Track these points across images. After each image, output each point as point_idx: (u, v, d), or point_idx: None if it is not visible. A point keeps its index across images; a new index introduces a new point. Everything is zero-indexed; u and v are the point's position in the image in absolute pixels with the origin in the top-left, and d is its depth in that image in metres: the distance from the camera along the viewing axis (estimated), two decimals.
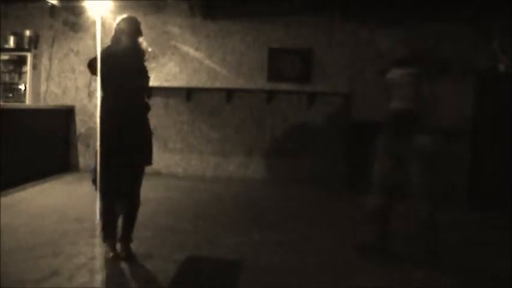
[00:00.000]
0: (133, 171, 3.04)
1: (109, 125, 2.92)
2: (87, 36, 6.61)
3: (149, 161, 3.10)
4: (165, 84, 6.45)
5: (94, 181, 2.96)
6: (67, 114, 6.61)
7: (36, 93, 6.66)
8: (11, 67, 6.66)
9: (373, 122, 3.57)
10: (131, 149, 2.94)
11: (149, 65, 3.26)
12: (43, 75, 6.74)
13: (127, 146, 2.92)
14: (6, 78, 6.65)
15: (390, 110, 3.36)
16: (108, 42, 3.07)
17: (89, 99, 6.58)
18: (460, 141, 5.32)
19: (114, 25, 3.05)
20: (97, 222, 3.16)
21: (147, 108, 3.11)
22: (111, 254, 3.00)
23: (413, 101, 3.27)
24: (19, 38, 6.55)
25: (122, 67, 2.96)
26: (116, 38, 3.02)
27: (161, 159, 6.47)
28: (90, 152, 6.35)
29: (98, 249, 3.15)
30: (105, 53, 2.94)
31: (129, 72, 2.99)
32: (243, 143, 6.47)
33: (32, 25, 6.62)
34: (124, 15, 3.08)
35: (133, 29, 3.03)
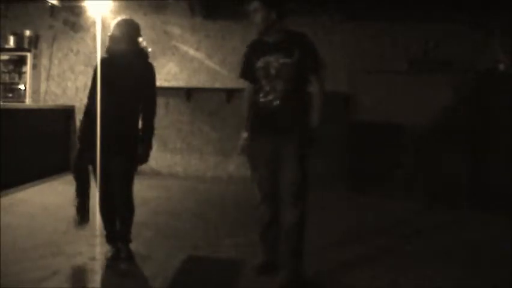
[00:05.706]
0: (116, 175, 2.91)
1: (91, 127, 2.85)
2: (87, 36, 6.61)
3: (130, 167, 2.93)
4: (165, 84, 6.44)
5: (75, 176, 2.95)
6: (66, 114, 6.61)
7: (36, 93, 6.66)
8: (11, 67, 6.65)
9: (373, 123, 3.55)
10: (111, 153, 2.86)
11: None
12: (43, 75, 6.74)
13: (108, 149, 2.85)
14: (6, 78, 6.64)
15: (256, 105, 2.86)
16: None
17: None
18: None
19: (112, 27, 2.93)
20: (97, 222, 3.15)
21: (137, 117, 2.95)
22: (110, 254, 3.00)
23: (285, 94, 2.70)
24: (19, 38, 6.55)
25: (119, 76, 2.89)
26: (114, 44, 2.91)
27: (161, 159, 6.48)
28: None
29: (98, 249, 3.15)
30: (105, 62, 2.89)
31: (124, 80, 2.90)
32: None
33: (32, 25, 6.62)
34: (118, 18, 2.96)
35: (132, 32, 2.94)
